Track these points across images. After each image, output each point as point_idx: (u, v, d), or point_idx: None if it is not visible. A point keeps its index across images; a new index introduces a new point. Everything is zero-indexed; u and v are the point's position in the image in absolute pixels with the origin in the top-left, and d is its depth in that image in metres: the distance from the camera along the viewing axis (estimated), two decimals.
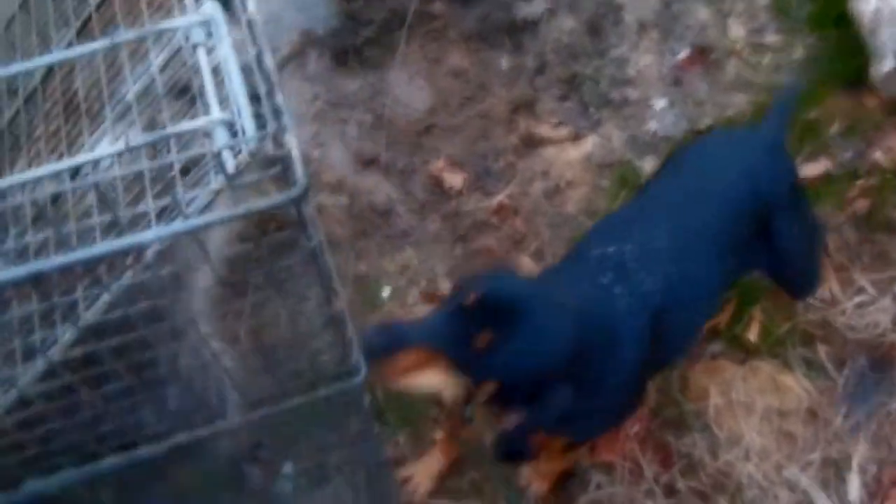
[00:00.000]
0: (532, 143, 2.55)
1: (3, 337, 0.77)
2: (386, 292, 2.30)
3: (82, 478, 0.85)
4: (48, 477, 0.83)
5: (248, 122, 0.62)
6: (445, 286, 2.27)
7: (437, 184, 2.48)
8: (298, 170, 0.61)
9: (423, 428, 2.09)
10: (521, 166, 2.52)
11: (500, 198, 2.44)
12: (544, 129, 2.57)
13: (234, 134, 0.62)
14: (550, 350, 1.35)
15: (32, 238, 0.78)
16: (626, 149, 2.51)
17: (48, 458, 0.85)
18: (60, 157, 0.84)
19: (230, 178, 0.60)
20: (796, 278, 1.98)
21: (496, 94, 2.63)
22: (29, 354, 0.77)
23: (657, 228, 1.62)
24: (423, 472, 1.98)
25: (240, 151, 0.61)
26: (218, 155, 0.61)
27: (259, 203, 0.61)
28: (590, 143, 2.55)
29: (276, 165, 0.61)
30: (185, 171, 0.73)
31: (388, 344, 1.29)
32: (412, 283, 2.33)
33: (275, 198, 0.61)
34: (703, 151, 1.85)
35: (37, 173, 0.58)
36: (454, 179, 2.48)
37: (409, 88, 2.64)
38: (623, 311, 1.53)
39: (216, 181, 0.65)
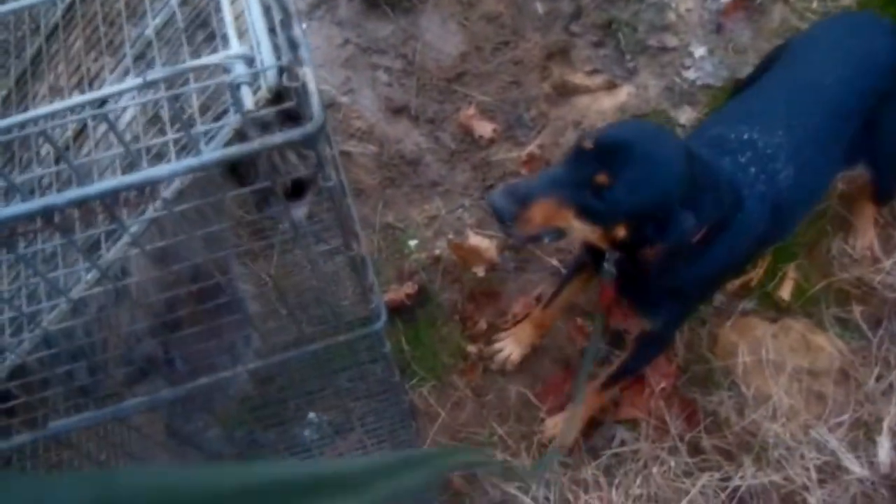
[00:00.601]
0: (565, 92, 2.48)
1: (27, 274, 0.77)
2: (413, 242, 2.28)
3: (105, 418, 0.86)
4: (72, 416, 0.84)
5: (267, 56, 0.59)
6: (473, 238, 2.24)
7: (467, 133, 2.43)
8: (314, 104, 0.58)
9: (448, 380, 2.09)
10: (552, 115, 2.45)
11: (530, 148, 2.39)
12: (578, 77, 2.49)
13: (253, 70, 0.59)
14: (664, 174, 1.38)
15: (49, 171, 0.77)
16: (662, 98, 2.43)
17: (71, 398, 0.85)
18: (82, 93, 0.83)
19: (248, 114, 0.58)
20: (891, 178, 1.94)
21: (530, 40, 2.55)
22: (52, 294, 0.77)
23: (776, 124, 1.59)
24: (515, 340, 2.07)
25: (259, 87, 0.59)
26: (236, 89, 0.58)
27: (274, 138, 0.59)
28: (624, 93, 2.47)
29: (292, 100, 0.58)
30: (204, 110, 0.70)
31: (516, 204, 1.36)
32: (440, 233, 2.30)
33: (289, 132, 0.58)
34: (821, 37, 1.77)
35: (55, 107, 0.56)
36: (484, 128, 2.42)
37: (441, 33, 2.57)
38: (758, 192, 1.53)
39: (234, 118, 0.63)
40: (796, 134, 1.57)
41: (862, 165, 1.84)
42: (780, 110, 1.60)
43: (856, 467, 1.84)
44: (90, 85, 0.86)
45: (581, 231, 1.43)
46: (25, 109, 0.88)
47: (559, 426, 1.97)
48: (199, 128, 0.64)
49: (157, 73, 0.54)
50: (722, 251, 1.53)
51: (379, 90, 2.50)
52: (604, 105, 2.46)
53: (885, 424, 1.89)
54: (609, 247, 1.50)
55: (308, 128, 0.58)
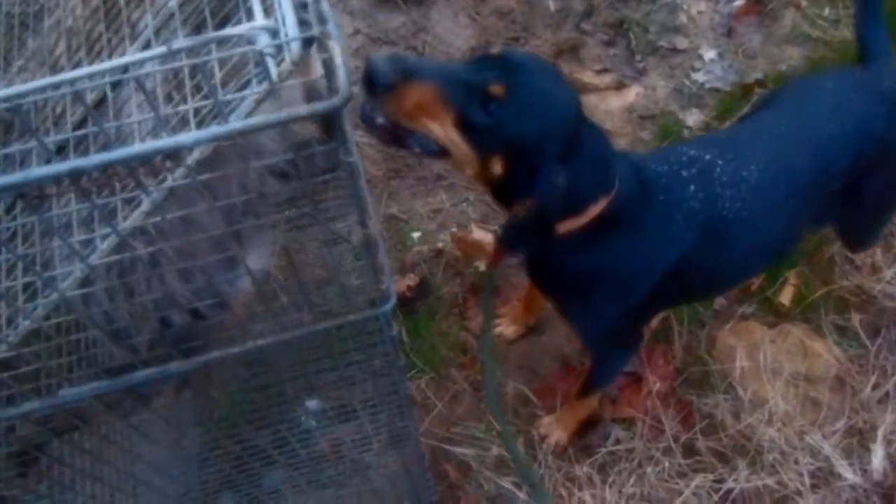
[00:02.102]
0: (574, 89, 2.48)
1: (43, 238, 0.77)
2: (416, 234, 2.28)
3: (115, 388, 0.86)
4: (83, 385, 0.84)
5: (292, 29, 0.59)
6: (476, 231, 2.25)
7: None
8: (342, 77, 0.59)
9: (446, 373, 2.09)
10: None
11: None
12: (587, 76, 2.50)
13: (277, 42, 0.59)
14: (554, 110, 1.26)
15: (72, 136, 0.77)
16: (671, 100, 2.44)
17: (84, 366, 0.86)
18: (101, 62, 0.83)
19: (273, 85, 0.58)
20: (866, 233, 1.92)
21: (541, 37, 2.55)
22: (68, 259, 0.77)
23: (750, 158, 1.52)
24: (511, 318, 2.12)
25: (283, 59, 0.59)
26: (261, 60, 0.58)
27: (300, 109, 0.59)
28: (633, 93, 2.48)
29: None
30: (223, 85, 0.70)
31: (397, 73, 1.18)
32: (443, 226, 2.30)
33: (316, 104, 0.58)
34: (815, 90, 1.67)
35: (79, 73, 0.56)
36: None
37: (451, 26, 2.58)
38: (686, 206, 1.46)
39: (258, 88, 0.63)
40: (768, 174, 1.51)
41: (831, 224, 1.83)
42: (761, 148, 1.54)
43: (849, 474, 1.85)
44: (110, 56, 0.86)
45: (457, 149, 1.27)
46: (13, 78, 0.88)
47: (554, 425, 1.98)
48: (226, 96, 0.64)
49: (182, 42, 0.54)
50: (623, 246, 1.46)
51: None
52: (612, 104, 2.46)
53: (880, 433, 1.90)
54: (486, 187, 1.36)
55: (335, 101, 0.59)
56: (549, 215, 1.31)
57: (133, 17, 0.82)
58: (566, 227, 1.36)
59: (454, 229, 2.28)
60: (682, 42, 2.52)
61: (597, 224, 1.38)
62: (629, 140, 2.38)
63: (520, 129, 1.24)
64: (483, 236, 2.24)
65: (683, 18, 2.54)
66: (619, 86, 2.49)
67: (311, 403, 1.93)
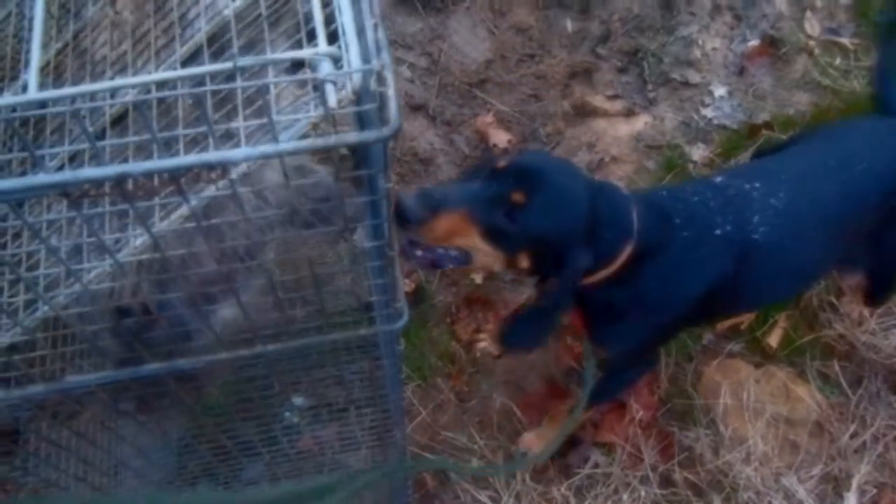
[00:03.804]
0: (583, 112, 2.51)
1: (73, 231, 0.77)
2: None
3: (122, 378, 0.86)
4: (89, 374, 0.84)
5: (355, 58, 0.60)
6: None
7: (482, 139, 2.45)
8: (393, 109, 0.59)
9: (433, 381, 2.10)
10: (568, 134, 2.48)
11: None
12: (598, 100, 2.52)
13: (338, 67, 0.60)
14: (573, 205, 1.36)
15: (109, 142, 0.77)
16: (678, 133, 2.46)
17: (93, 355, 0.86)
18: (146, 62, 0.83)
19: (331, 112, 0.59)
20: (889, 284, 1.94)
21: (556, 56, 2.57)
22: (97, 252, 0.77)
23: (779, 188, 1.57)
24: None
25: (343, 87, 0.60)
26: (321, 86, 0.59)
27: (350, 136, 0.60)
28: (641, 122, 2.50)
29: (374, 102, 0.59)
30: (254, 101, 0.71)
31: (426, 209, 1.29)
32: None
33: (366, 134, 0.59)
34: (855, 131, 1.73)
35: (128, 81, 0.56)
36: (499, 137, 2.44)
37: (469, 37, 2.58)
38: (717, 236, 1.52)
39: (315, 112, 0.64)
40: (799, 203, 1.56)
41: (860, 270, 1.85)
42: (793, 176, 1.59)
43: None
44: (156, 56, 0.85)
45: (485, 255, 1.38)
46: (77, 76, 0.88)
47: (535, 441, 1.99)
48: (279, 117, 0.65)
49: (247, 60, 0.55)
50: (654, 275, 1.50)
51: (400, 85, 2.51)
52: (620, 131, 2.48)
53: (854, 482, 1.93)
54: (519, 274, 1.49)
55: (384, 131, 0.60)
56: (578, 282, 1.40)
57: (187, 16, 0.82)
58: (598, 276, 1.44)
59: None
60: (694, 76, 2.55)
61: (626, 264, 1.44)
62: (634, 168, 2.40)
63: (542, 231, 1.35)
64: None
65: (698, 53, 2.56)
66: (629, 113, 2.51)
67: (297, 400, 1.93)
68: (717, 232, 1.52)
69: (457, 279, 2.24)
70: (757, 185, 1.57)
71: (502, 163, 1.38)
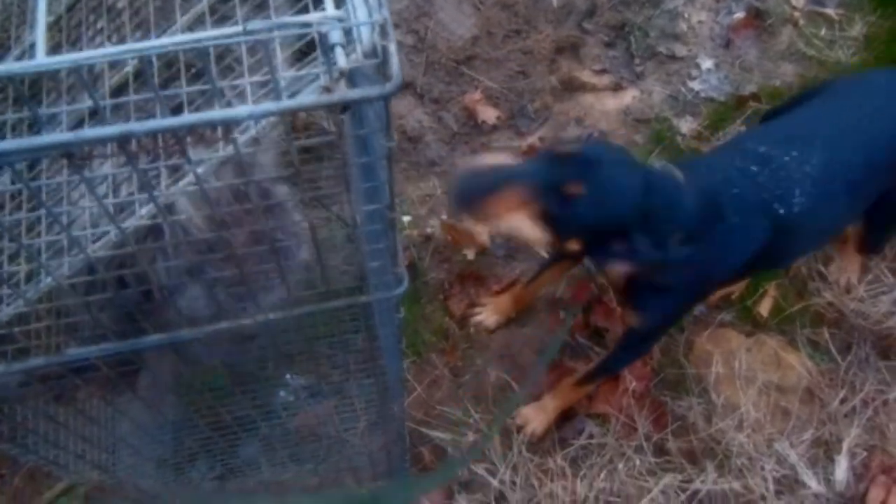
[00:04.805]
0: (571, 88, 2.51)
1: (73, 200, 0.77)
2: (406, 218, 2.29)
3: (123, 351, 0.86)
4: (90, 346, 0.84)
5: (363, 20, 0.59)
6: (466, 221, 2.26)
7: (470, 116, 2.44)
8: (395, 65, 0.59)
9: (427, 357, 2.11)
10: (556, 109, 2.48)
11: (531, 139, 2.41)
12: (585, 75, 2.52)
13: (346, 30, 0.60)
14: (628, 197, 1.40)
15: (111, 101, 0.76)
16: (666, 106, 2.47)
17: (95, 327, 0.85)
18: (147, 33, 0.82)
19: (341, 76, 0.59)
20: (884, 233, 2.00)
21: (542, 32, 2.57)
22: (99, 222, 0.76)
23: (812, 154, 1.60)
24: (493, 308, 2.15)
25: (353, 50, 0.60)
26: (331, 50, 0.59)
27: (352, 93, 0.60)
28: (629, 96, 2.51)
29: (376, 57, 0.59)
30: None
31: (483, 188, 1.34)
32: (433, 212, 2.31)
33: (369, 90, 0.59)
34: (877, 86, 1.76)
35: (132, 47, 0.56)
36: (488, 114, 2.44)
37: (455, 14, 2.57)
38: (764, 216, 1.56)
39: (324, 77, 0.64)
40: (828, 167, 1.59)
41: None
42: (820, 143, 1.61)
43: (813, 483, 1.91)
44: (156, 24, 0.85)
45: (538, 239, 1.43)
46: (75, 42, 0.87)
47: (534, 414, 2.01)
48: (287, 74, 0.64)
49: (257, 24, 0.54)
50: (705, 256, 1.54)
51: None
52: (607, 105, 2.49)
53: (845, 445, 1.96)
54: (568, 254, 1.53)
55: (387, 87, 0.60)
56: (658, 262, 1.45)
57: None
58: None
59: (444, 216, 2.29)
60: (680, 49, 2.55)
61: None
62: (623, 142, 2.41)
63: (596, 220, 1.40)
64: (473, 225, 2.25)
65: (684, 26, 2.57)
66: (616, 87, 2.52)
67: (292, 378, 1.94)
68: (764, 212, 1.56)
69: (449, 255, 2.25)
70: (794, 153, 1.60)
71: (564, 150, 1.42)
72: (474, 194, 1.35)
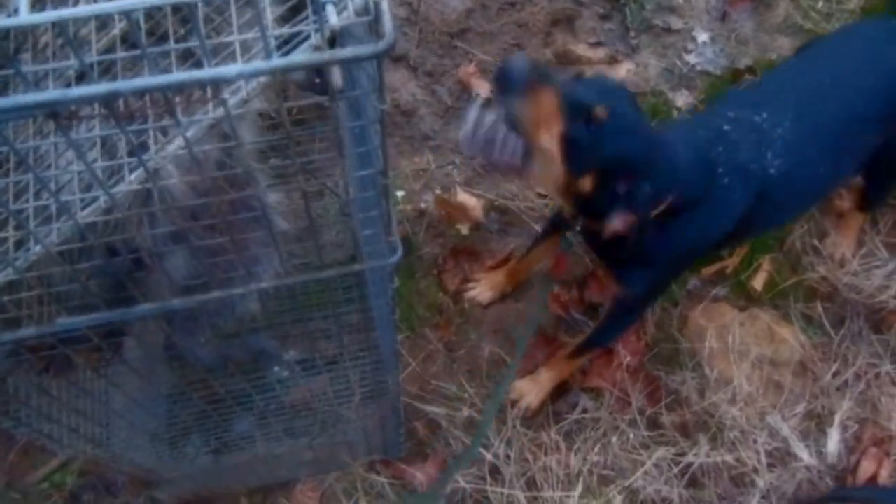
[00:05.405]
0: (566, 61, 2.48)
1: (61, 165, 0.75)
2: (400, 193, 2.27)
3: (114, 320, 0.85)
4: (81, 315, 0.83)
5: None
6: (461, 194, 2.25)
7: (464, 89, 2.42)
8: (387, 23, 0.58)
9: (421, 332, 2.11)
10: None
11: None
12: (581, 48, 2.49)
13: None
14: (644, 137, 1.42)
15: (97, 58, 0.74)
16: (661, 79, 2.45)
17: (85, 296, 0.84)
18: None
19: (334, 35, 0.57)
20: (884, 191, 1.99)
21: (537, 4, 2.54)
22: (89, 187, 0.75)
23: (783, 114, 1.59)
24: (488, 283, 2.14)
25: (345, 7, 0.58)
26: (322, 8, 0.57)
27: (344, 52, 0.58)
28: (624, 69, 2.48)
29: (368, 15, 0.58)
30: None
31: (533, 74, 1.32)
32: (427, 187, 2.30)
33: (361, 48, 0.57)
34: (847, 40, 1.74)
35: (116, 5, 0.54)
36: (482, 87, 2.41)
37: None
38: (748, 179, 1.55)
39: (315, 37, 0.62)
40: (803, 129, 1.58)
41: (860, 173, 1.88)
42: (792, 101, 1.60)
43: (805, 455, 1.92)
44: None
45: (547, 165, 1.41)
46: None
47: (525, 388, 2.01)
48: (276, 32, 0.63)
49: None
50: (691, 226, 1.56)
51: None
52: None
53: (837, 418, 1.97)
54: (568, 201, 1.50)
55: (379, 45, 0.58)
56: (648, 219, 1.45)
57: None
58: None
59: (438, 191, 2.28)
60: (676, 22, 2.53)
61: (667, 210, 1.48)
62: None
63: (615, 150, 1.38)
64: (467, 200, 2.24)
65: None
66: (612, 61, 2.50)
67: (288, 353, 1.93)
68: (748, 173, 1.56)
69: (443, 230, 2.24)
70: (764, 115, 1.59)
71: (588, 74, 1.42)
72: (520, 79, 1.32)
